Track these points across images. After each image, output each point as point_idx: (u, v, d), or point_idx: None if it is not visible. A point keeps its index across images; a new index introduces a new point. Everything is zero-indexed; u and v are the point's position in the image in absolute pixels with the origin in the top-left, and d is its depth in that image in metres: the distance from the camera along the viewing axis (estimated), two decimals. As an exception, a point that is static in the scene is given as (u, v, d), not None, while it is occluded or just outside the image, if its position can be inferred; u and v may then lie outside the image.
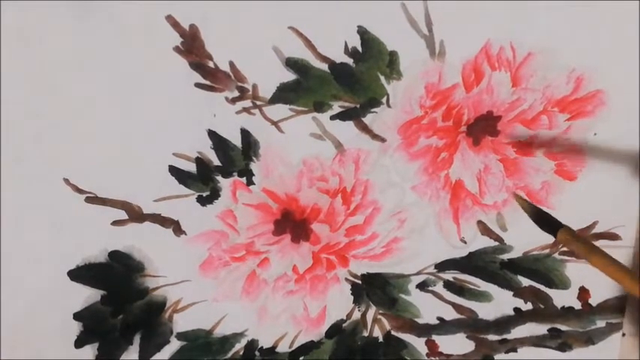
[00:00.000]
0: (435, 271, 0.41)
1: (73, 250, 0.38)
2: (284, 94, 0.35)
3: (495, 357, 0.45)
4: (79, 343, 0.40)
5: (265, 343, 0.42)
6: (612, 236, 0.41)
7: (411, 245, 0.40)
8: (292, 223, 0.39)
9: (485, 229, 0.41)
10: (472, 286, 0.42)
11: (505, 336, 0.44)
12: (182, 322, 0.41)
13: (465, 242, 0.41)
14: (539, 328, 0.44)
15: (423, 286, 0.42)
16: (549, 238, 0.41)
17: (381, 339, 0.43)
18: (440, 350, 0.44)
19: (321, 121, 0.36)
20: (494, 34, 0.35)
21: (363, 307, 0.42)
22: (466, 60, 0.35)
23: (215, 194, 0.38)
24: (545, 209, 0.34)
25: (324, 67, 0.35)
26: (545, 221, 0.34)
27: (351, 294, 0.42)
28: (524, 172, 0.39)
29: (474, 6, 0.34)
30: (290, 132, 0.36)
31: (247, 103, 0.35)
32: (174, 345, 0.41)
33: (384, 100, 0.36)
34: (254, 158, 0.37)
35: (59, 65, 0.33)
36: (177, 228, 0.38)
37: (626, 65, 0.36)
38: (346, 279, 0.41)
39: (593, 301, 0.43)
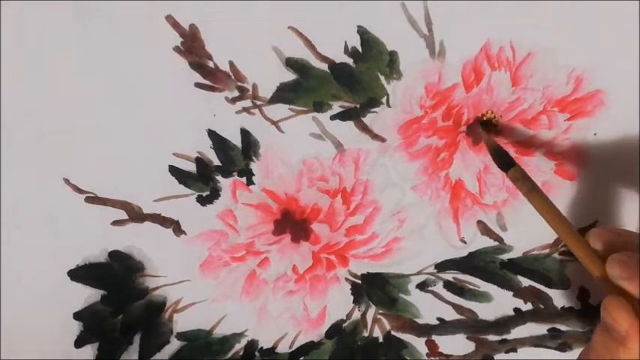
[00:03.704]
0: (435, 271, 0.41)
1: (73, 250, 0.38)
2: (284, 94, 0.35)
3: (495, 357, 0.45)
4: (79, 343, 0.40)
5: (265, 343, 0.42)
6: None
7: (411, 245, 0.40)
8: (292, 223, 0.39)
9: (485, 229, 0.41)
10: (472, 287, 0.42)
11: (505, 336, 0.44)
12: (182, 322, 0.41)
13: (465, 242, 0.41)
14: (539, 328, 0.44)
15: (423, 286, 0.42)
16: (549, 238, 0.41)
17: (381, 339, 0.43)
18: (440, 350, 0.44)
19: (321, 121, 0.36)
20: (494, 34, 0.35)
21: (363, 307, 0.42)
22: (466, 60, 0.35)
23: (215, 194, 0.38)
24: (503, 148, 0.36)
25: (324, 67, 0.35)
26: (502, 158, 0.36)
27: (351, 294, 0.42)
28: (524, 172, 0.39)
29: (473, 6, 0.34)
30: (290, 132, 0.36)
31: (247, 103, 0.35)
32: (174, 345, 0.41)
33: (384, 100, 0.36)
34: (254, 158, 0.37)
35: (59, 65, 0.33)
36: (177, 228, 0.38)
37: (626, 65, 0.36)
38: (346, 279, 0.41)
39: (593, 301, 0.43)
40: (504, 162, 0.36)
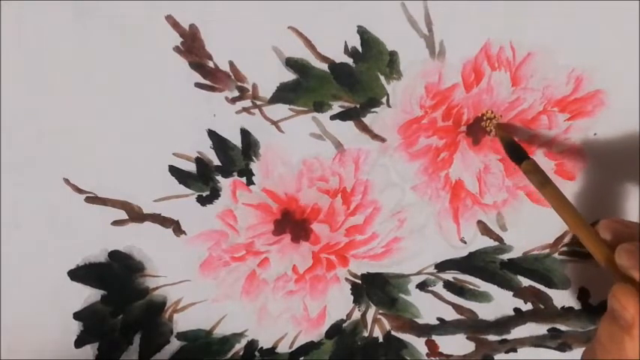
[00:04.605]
0: (435, 271, 0.41)
1: (73, 250, 0.38)
2: (284, 94, 0.35)
3: (495, 357, 0.45)
4: (79, 343, 0.40)
5: (265, 343, 0.42)
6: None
7: (411, 245, 0.40)
8: (292, 223, 0.39)
9: (485, 229, 0.41)
10: (472, 287, 0.42)
11: (505, 336, 0.44)
12: (182, 322, 0.41)
13: (465, 242, 0.41)
14: (539, 328, 0.44)
15: (423, 286, 0.42)
16: (549, 238, 0.41)
17: (381, 339, 0.43)
18: (440, 350, 0.44)
19: (321, 121, 0.36)
20: (494, 34, 0.35)
21: (363, 307, 0.42)
22: (466, 60, 0.35)
23: (215, 194, 0.38)
24: (516, 141, 0.37)
25: (324, 67, 0.35)
26: (515, 150, 0.36)
27: (351, 294, 0.42)
28: (524, 172, 0.39)
29: (473, 6, 0.34)
30: (290, 132, 0.36)
31: (247, 103, 0.35)
32: (174, 345, 0.41)
33: (384, 100, 0.36)
34: (254, 158, 0.37)
35: (59, 65, 0.33)
36: (177, 228, 0.38)
37: (626, 65, 0.36)
38: (346, 279, 0.41)
39: (593, 301, 0.43)
40: (518, 155, 0.36)
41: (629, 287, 0.29)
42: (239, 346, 0.42)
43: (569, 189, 0.40)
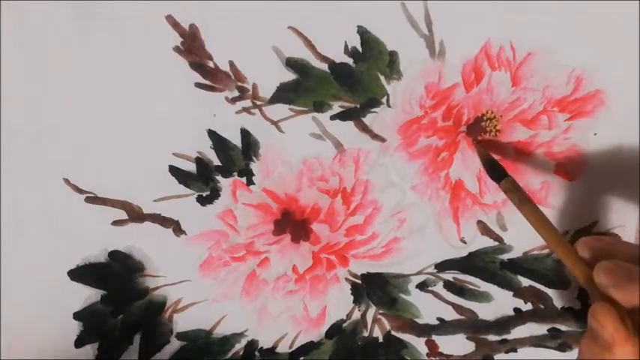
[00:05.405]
0: (435, 271, 0.41)
1: (73, 250, 0.38)
2: (284, 94, 0.35)
3: (495, 357, 0.45)
4: (79, 343, 0.40)
5: (265, 343, 0.42)
6: (612, 236, 0.41)
7: (411, 245, 0.40)
8: (292, 223, 0.39)
9: (485, 229, 0.41)
10: (472, 287, 0.42)
11: (505, 336, 0.44)
12: (182, 322, 0.41)
13: (465, 242, 0.41)
14: (539, 328, 0.44)
15: (423, 286, 0.42)
16: (549, 238, 0.41)
17: (381, 339, 0.43)
18: (440, 350, 0.44)
19: (321, 121, 0.36)
20: (495, 34, 0.35)
21: (363, 307, 0.42)
22: (466, 60, 0.35)
23: (215, 194, 0.38)
24: (496, 159, 0.37)
25: (324, 67, 0.35)
26: (494, 169, 0.36)
27: (351, 294, 0.42)
28: (524, 172, 0.39)
29: (474, 6, 0.34)
30: (290, 132, 0.36)
31: (247, 103, 0.35)
32: (174, 345, 0.41)
33: (384, 100, 0.36)
34: (254, 158, 0.37)
35: (59, 65, 0.33)
36: (177, 228, 0.38)
37: (625, 65, 0.36)
38: (346, 279, 0.41)
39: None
40: (496, 173, 0.36)
41: (607, 306, 0.29)
42: (239, 346, 0.42)
43: (569, 189, 0.40)
